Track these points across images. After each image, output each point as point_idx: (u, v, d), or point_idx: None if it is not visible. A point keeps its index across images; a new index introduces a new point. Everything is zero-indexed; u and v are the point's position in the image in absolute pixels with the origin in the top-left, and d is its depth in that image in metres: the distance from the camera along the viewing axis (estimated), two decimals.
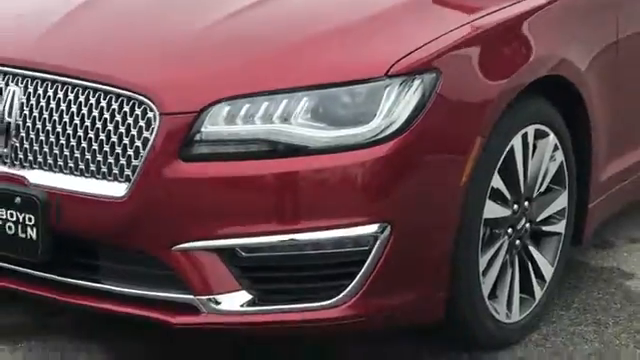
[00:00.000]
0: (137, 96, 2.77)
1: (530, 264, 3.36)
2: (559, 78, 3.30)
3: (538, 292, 3.39)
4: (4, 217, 2.91)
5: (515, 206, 3.22)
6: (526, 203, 3.29)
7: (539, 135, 3.28)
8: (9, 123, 2.94)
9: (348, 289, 2.78)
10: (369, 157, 2.74)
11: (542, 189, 3.35)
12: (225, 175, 2.75)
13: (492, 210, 3.10)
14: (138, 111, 2.77)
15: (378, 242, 2.77)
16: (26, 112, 2.92)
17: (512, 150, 3.14)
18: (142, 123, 2.77)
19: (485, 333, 3.19)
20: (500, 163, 3.09)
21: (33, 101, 2.91)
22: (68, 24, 3.10)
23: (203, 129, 2.74)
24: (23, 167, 2.93)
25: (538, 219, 3.37)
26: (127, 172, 2.77)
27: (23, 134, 2.92)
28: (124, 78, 2.82)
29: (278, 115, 2.75)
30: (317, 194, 2.75)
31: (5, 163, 2.96)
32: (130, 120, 2.78)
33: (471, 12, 3.11)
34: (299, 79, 2.79)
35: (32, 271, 2.97)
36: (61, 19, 3.12)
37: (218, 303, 2.79)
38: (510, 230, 3.23)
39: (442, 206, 2.90)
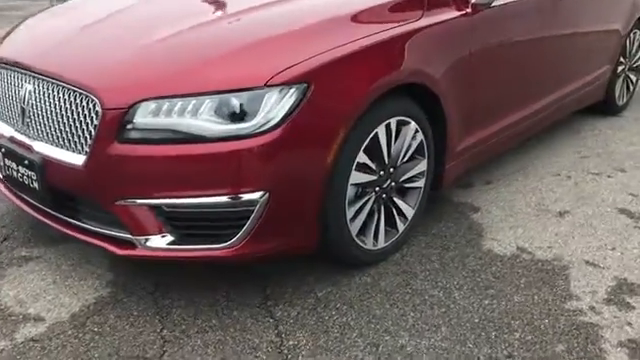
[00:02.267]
0: (90, 95, 2.02)
1: (394, 209, 2.51)
2: (419, 84, 2.38)
3: (401, 227, 2.56)
4: (22, 172, 2.23)
5: (381, 172, 2.37)
6: (391, 169, 2.42)
7: (403, 123, 2.39)
8: (24, 108, 2.22)
9: (238, 236, 2.03)
10: (253, 145, 1.96)
11: (405, 159, 2.48)
12: (150, 154, 1.98)
13: (358, 178, 2.26)
14: (91, 105, 2.01)
15: (258, 204, 1.99)
16: (33, 101, 2.18)
17: (377, 136, 2.27)
18: (93, 114, 2.01)
19: (354, 258, 2.39)
20: (365, 145, 2.23)
21: (37, 94, 2.17)
22: (62, 43, 2.32)
23: (135, 120, 1.97)
24: (32, 139, 2.20)
25: (402, 179, 2.50)
26: (86, 148, 2.04)
27: (31, 116, 2.19)
28: (82, 81, 2.06)
29: (188, 112, 1.95)
30: (216, 170, 1.98)
31: (23, 135, 2.24)
32: (86, 111, 2.03)
33: (351, 35, 2.19)
34: (204, 86, 1.97)
35: (41, 206, 2.27)
36: (58, 40, 2.35)
37: (149, 242, 2.05)
38: (377, 188, 2.39)
39: (311, 178, 2.09)
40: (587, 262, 2.54)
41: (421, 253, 2.60)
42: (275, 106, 1.96)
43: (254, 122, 1.94)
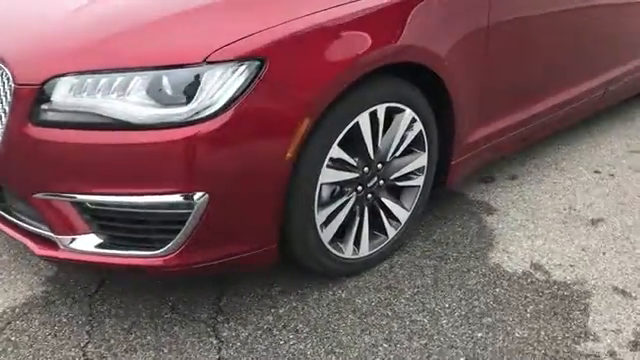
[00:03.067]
0: (2, 67, 1.68)
1: (383, 212, 2.10)
2: (417, 64, 1.94)
3: (392, 232, 2.15)
4: None
5: (365, 169, 1.97)
6: (379, 166, 2.01)
7: (396, 111, 1.97)
8: None
9: (172, 243, 1.67)
10: (188, 134, 1.57)
11: (398, 154, 2.06)
12: (69, 141, 1.62)
13: (332, 176, 1.86)
14: (4, 80, 1.68)
15: (196, 207, 1.62)
16: None
17: (357, 126, 1.86)
18: (7, 91, 1.67)
19: (326, 268, 2.00)
20: (341, 137, 1.82)
21: None
22: None
23: (53, 99, 1.61)
24: None
25: (393, 177, 2.09)
26: (1, 129, 1.70)
27: None
28: None
29: (114, 91, 1.58)
30: (143, 165, 1.60)
31: None
32: (0, 87, 1.69)
33: (321, 3, 1.75)
34: (132, 61, 1.60)
35: None
36: None
37: (74, 242, 1.72)
38: (360, 188, 1.99)
39: (266, 177, 1.69)
40: (615, 289, 2.08)
41: (414, 264, 2.20)
42: (218, 88, 1.57)
43: (189, 107, 1.56)
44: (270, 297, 2.00)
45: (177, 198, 1.61)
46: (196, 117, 1.57)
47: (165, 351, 1.77)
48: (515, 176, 2.87)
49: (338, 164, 1.88)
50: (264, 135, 1.65)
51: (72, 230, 1.71)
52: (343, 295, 2.02)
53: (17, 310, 1.91)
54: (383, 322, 1.90)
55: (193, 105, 1.57)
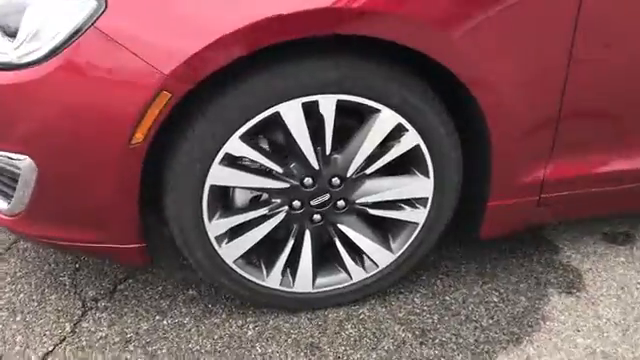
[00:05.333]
0: None
1: (342, 244, 1.46)
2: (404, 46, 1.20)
3: (358, 274, 1.50)
4: None
5: (307, 180, 1.35)
6: (334, 180, 1.37)
7: (369, 110, 1.29)
8: None
9: (13, 202, 1.35)
10: (5, 82, 1.20)
11: (370, 171, 1.37)
12: None
13: (235, 178, 1.30)
14: None
15: (22, 171, 1.27)
16: None
17: (280, 119, 1.25)
18: None
19: (230, 291, 1.48)
20: (247, 129, 1.23)
21: None
22: None
23: None
24: None
25: (362, 201, 1.41)
26: None
27: None
28: None
29: None
30: None
31: None
32: None
33: None
34: None
35: None
36: None
37: None
38: (298, 204, 1.38)
39: (105, 159, 1.22)
40: None
41: (378, 327, 1.49)
42: (45, 28, 1.15)
43: (12, 46, 1.18)
44: (171, 300, 1.57)
45: (2, 154, 1.30)
46: (22, 61, 1.18)
47: (17, 319, 1.51)
48: None
49: (249, 164, 1.32)
50: (98, 104, 1.17)
51: None
52: (249, 333, 1.49)
53: None
54: None
55: (15, 45, 1.18)
